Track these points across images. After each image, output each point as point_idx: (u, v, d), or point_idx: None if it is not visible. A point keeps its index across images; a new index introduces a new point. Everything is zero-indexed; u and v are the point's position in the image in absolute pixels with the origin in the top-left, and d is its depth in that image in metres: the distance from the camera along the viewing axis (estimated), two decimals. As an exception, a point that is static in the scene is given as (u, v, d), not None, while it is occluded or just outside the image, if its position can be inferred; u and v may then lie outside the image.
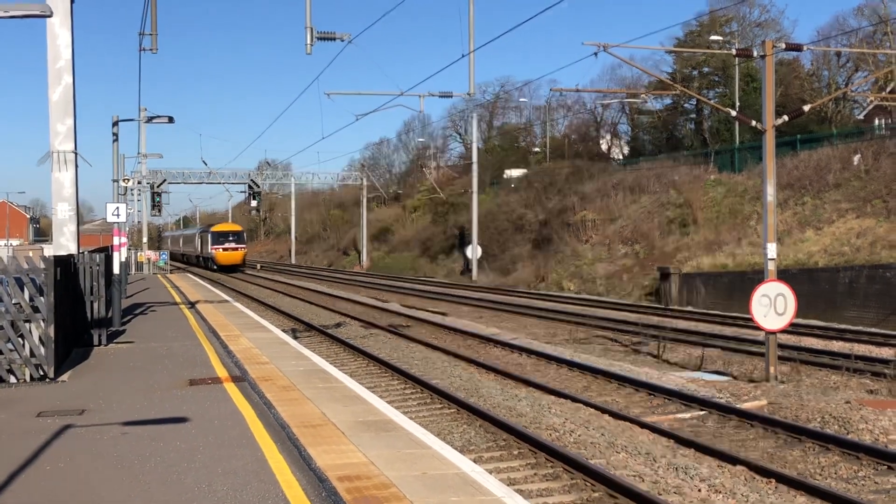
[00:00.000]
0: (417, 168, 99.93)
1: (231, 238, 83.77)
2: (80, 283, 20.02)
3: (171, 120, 37.24)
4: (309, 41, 25.54)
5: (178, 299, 36.44)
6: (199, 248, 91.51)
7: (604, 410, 16.44)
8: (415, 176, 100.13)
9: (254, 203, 66.96)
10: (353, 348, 25.45)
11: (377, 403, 13.27)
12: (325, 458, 9.90)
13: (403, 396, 18.44)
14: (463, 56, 27.35)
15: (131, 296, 37.97)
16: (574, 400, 17.45)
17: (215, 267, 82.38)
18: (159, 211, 67.14)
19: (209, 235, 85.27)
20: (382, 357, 23.40)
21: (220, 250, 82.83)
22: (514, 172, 77.54)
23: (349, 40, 26.60)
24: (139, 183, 65.77)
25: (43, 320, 15.40)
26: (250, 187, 69.52)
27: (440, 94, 35.76)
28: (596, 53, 20.93)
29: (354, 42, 26.84)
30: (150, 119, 40.26)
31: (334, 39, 26.42)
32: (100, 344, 20.43)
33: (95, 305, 20.69)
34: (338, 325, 32.78)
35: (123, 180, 35.50)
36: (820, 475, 12.47)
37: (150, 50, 27.47)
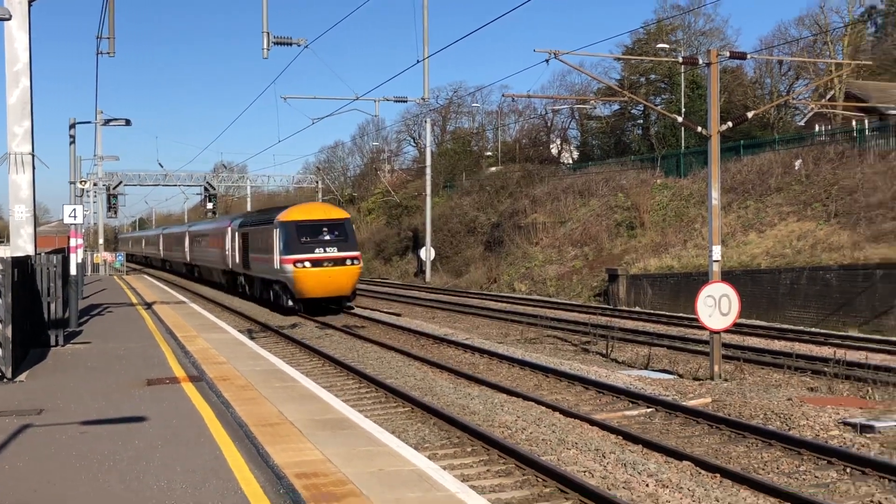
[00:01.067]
0: (372, 171, 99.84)
1: (330, 235, 37.31)
2: (37, 285, 19.78)
3: (127, 122, 36.88)
4: (266, 46, 25.47)
5: (134, 300, 36.10)
6: (239, 258, 45.93)
7: (554, 408, 16.55)
8: (369, 179, 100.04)
9: (210, 205, 66.60)
10: (308, 348, 25.38)
11: (333, 402, 13.28)
12: (282, 455, 9.90)
13: (359, 395, 18.45)
14: (418, 62, 27.41)
15: (88, 297, 37.56)
16: (525, 398, 17.55)
17: (293, 303, 37.44)
18: (115, 213, 66.50)
19: (278, 231, 37.72)
20: (338, 357, 23.37)
21: (308, 265, 36.38)
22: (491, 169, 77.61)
23: (305, 45, 26.55)
24: (95, 185, 65.09)
25: (0, 321, 15.22)
26: (206, 189, 69.14)
27: (395, 98, 35.86)
28: (547, 60, 21.06)
29: (311, 47, 26.82)
30: (106, 122, 39.88)
31: (290, 44, 26.36)
32: (57, 344, 20.21)
33: (52, 306, 20.46)
34: (293, 325, 32.66)
35: (80, 182, 35.11)
36: (763, 470, 12.65)
37: (108, 53, 27.20)
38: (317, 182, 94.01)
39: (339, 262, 36.59)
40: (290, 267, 36.31)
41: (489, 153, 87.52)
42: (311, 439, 10.71)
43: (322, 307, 37.52)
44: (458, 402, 17.10)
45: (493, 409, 16.34)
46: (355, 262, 37.19)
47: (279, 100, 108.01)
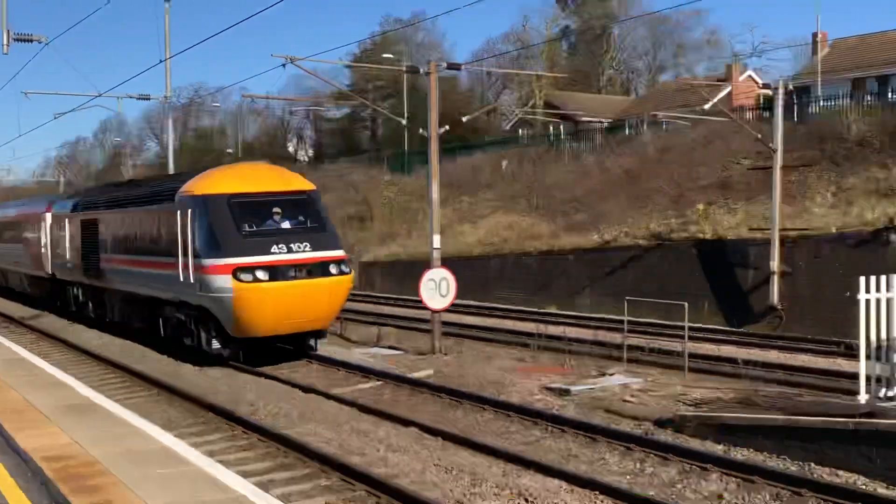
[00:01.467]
0: (115, 166, 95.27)
1: (291, 221, 18.72)
2: None
3: None
4: (5, 42, 23.72)
5: None
6: (73, 259, 26.90)
7: (294, 385, 16.53)
8: (112, 173, 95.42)
9: (-54, 199, 61.10)
10: (54, 339, 23.94)
11: (81, 388, 12.63)
12: (29, 441, 9.32)
13: (105, 381, 17.63)
14: (160, 62, 26.48)
15: None
16: (267, 377, 17.41)
17: (221, 346, 18.43)
18: None
19: (191, 215, 18.48)
20: (83, 346, 22.22)
21: (263, 277, 17.56)
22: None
23: (46, 42, 24.94)
24: None
25: None
26: (-58, 183, 63.36)
27: (138, 96, 34.49)
28: (284, 65, 20.91)
29: (53, 44, 25.22)
30: None
31: (31, 41, 24.68)
32: None
33: None
34: (36, 316, 30.66)
35: None
36: (479, 432, 13.19)
37: None
38: (59, 176, 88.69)
39: (319, 269, 18.45)
40: (223, 282, 17.72)
41: (230, 150, 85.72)
42: (58, 424, 10.15)
43: (272, 349, 19.50)
44: (203, 385, 16.72)
45: (238, 389, 16.12)
46: (343, 267, 19.05)
47: (20, 95, 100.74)
